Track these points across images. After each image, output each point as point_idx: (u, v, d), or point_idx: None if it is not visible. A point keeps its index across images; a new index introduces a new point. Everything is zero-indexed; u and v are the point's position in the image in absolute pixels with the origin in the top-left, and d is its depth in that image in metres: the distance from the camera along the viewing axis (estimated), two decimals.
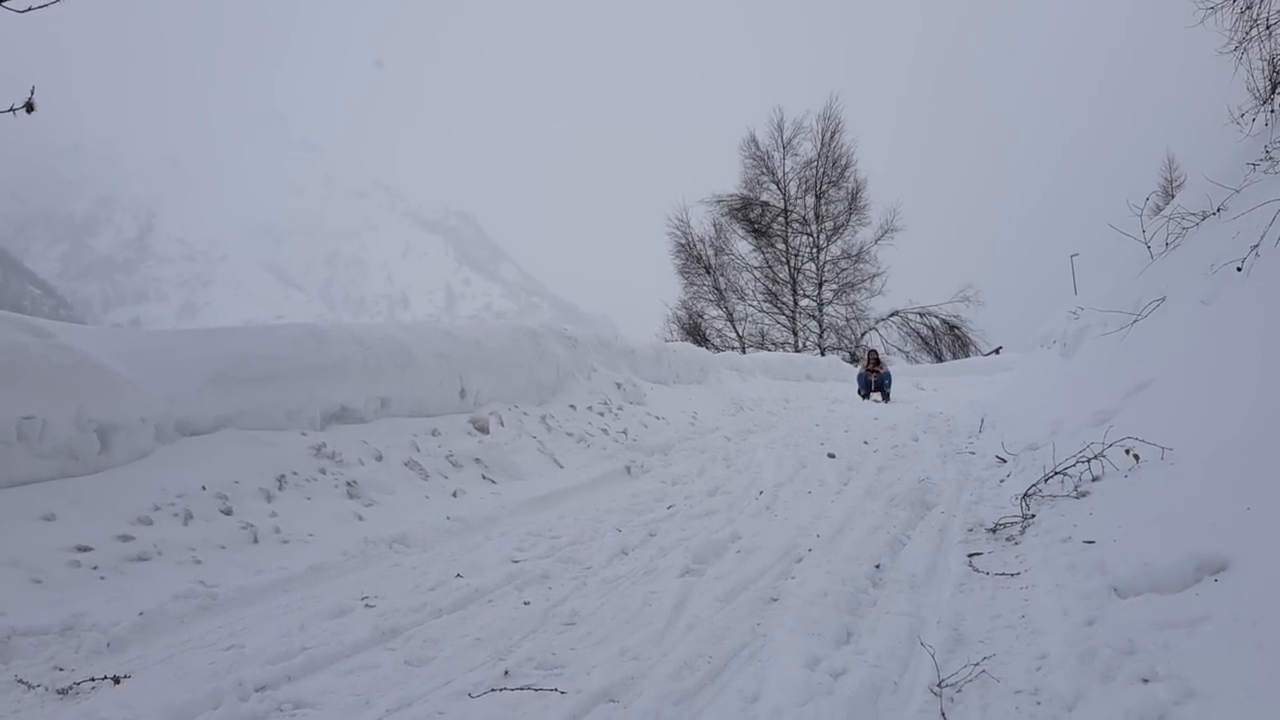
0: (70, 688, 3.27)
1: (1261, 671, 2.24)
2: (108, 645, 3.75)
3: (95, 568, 4.48)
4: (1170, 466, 4.19)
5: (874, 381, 18.56)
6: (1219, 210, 7.02)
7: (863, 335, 33.86)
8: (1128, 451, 4.57)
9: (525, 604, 4.20)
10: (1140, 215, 8.81)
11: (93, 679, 3.34)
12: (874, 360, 18.98)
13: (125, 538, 4.79)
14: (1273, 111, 8.64)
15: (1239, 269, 5.48)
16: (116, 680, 3.35)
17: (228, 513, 5.44)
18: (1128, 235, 8.76)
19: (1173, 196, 15.12)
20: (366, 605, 4.26)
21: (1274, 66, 8.70)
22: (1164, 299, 6.66)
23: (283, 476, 6.06)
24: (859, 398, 18.70)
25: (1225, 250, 5.88)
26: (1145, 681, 2.45)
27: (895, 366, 25.19)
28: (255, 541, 5.22)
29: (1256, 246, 5.39)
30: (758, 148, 34.52)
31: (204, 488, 5.55)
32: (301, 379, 7.06)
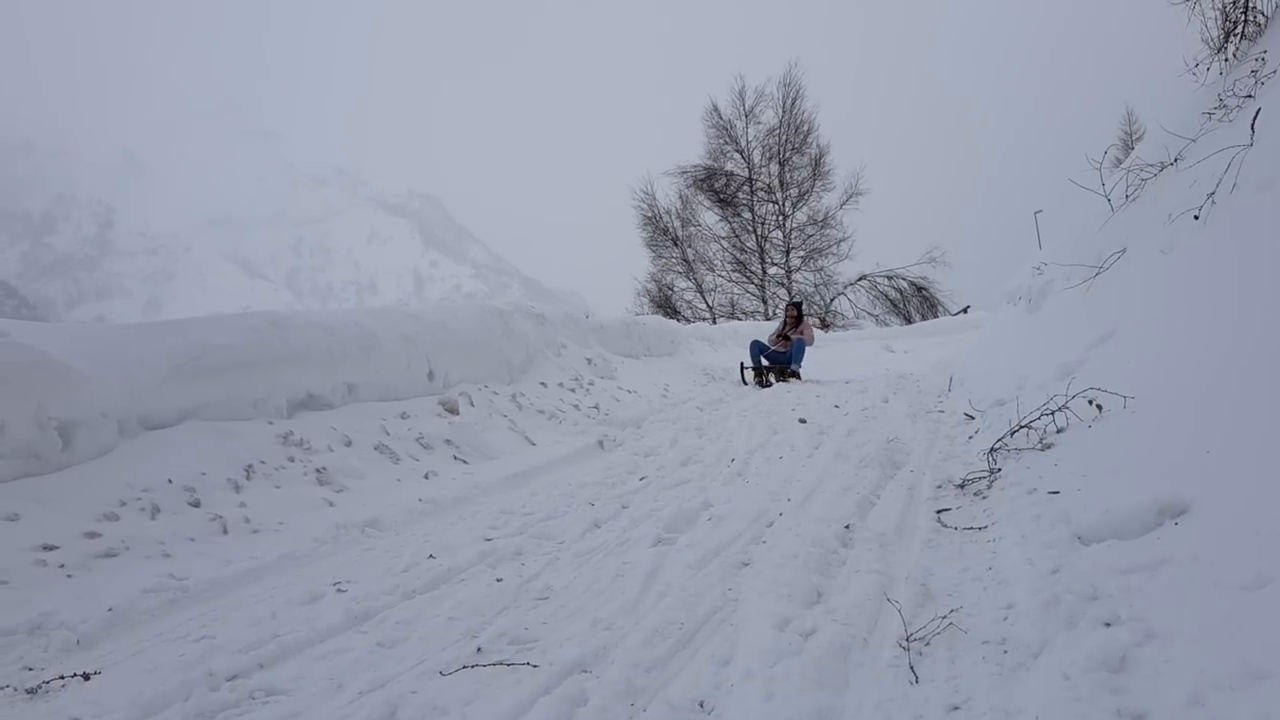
0: (39, 686, 3.22)
1: (1218, 610, 2.26)
2: (77, 643, 3.69)
3: (62, 566, 4.41)
4: (1132, 415, 4.23)
5: (770, 354, 13.63)
6: (1176, 160, 7.06)
7: (832, 300, 33.96)
8: (1091, 402, 4.62)
9: (498, 581, 4.18)
10: (1100, 169, 8.86)
11: (62, 677, 3.29)
12: (794, 316, 14.12)
13: (92, 534, 4.72)
14: (1226, 60, 8.69)
15: (1196, 217, 5.52)
16: (86, 677, 3.30)
17: (196, 505, 5.38)
18: (1087, 189, 8.81)
19: (1132, 149, 15.20)
20: (339, 590, 4.23)
21: (1226, 15, 8.74)
22: (1125, 251, 6.71)
23: (250, 466, 5.99)
24: (741, 382, 13.49)
25: (1183, 200, 5.93)
26: (1107, 625, 2.47)
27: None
28: (225, 532, 5.17)
29: (1213, 194, 5.43)
30: (720, 117, 34.37)
31: (170, 481, 5.48)
32: (265, 367, 6.98)
